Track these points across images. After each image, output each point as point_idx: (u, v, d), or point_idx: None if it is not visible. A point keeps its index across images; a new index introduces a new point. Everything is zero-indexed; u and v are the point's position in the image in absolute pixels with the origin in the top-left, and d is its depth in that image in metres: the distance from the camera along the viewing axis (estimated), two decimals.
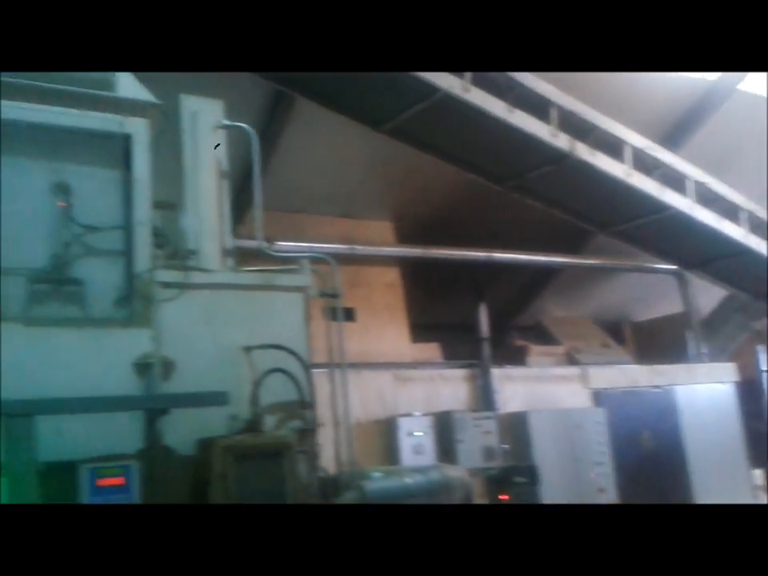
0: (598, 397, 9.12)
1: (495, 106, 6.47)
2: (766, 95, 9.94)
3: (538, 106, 6.92)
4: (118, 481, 3.15)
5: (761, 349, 10.43)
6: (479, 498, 5.85)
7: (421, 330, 9.97)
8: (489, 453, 7.76)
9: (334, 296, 4.42)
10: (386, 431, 7.64)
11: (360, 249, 9.09)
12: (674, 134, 10.22)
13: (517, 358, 9.43)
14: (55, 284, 3.65)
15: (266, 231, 4.44)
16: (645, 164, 7.57)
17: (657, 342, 11.76)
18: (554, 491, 7.42)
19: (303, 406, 3.91)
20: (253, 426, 3.67)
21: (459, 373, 8.57)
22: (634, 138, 7.49)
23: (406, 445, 7.48)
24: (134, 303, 3.73)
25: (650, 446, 9.14)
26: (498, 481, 6.68)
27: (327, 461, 4.07)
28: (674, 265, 10.06)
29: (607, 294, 12.37)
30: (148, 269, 3.77)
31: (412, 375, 8.25)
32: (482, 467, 7.32)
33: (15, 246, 3.60)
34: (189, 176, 4.26)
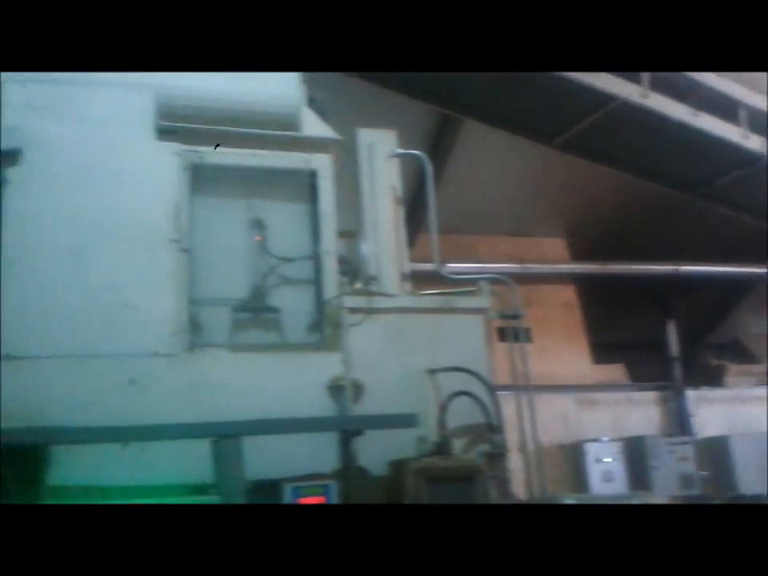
0: None
1: (677, 111, 6.11)
2: None
3: (724, 108, 6.45)
4: (318, 500, 3.27)
5: None
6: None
7: (602, 351, 9.54)
8: (686, 480, 7.22)
9: (515, 317, 4.34)
10: (572, 457, 7.36)
11: (533, 267, 8.92)
12: None
13: (713, 378, 8.72)
14: (255, 312, 3.91)
15: (440, 254, 4.53)
16: None
17: None
18: None
19: (491, 429, 3.86)
20: (442, 448, 3.68)
21: (649, 395, 8.09)
22: None
23: (594, 471, 7.15)
24: (325, 328, 3.89)
25: None
26: None
27: (517, 486, 3.97)
28: None
29: None
30: (336, 295, 3.94)
31: (596, 398, 7.90)
32: (678, 495, 6.79)
33: (219, 278, 3.92)
34: (367, 204, 4.43)
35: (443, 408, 3.78)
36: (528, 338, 4.30)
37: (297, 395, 3.69)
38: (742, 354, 9.66)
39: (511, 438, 4.03)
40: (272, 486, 3.28)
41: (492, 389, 3.92)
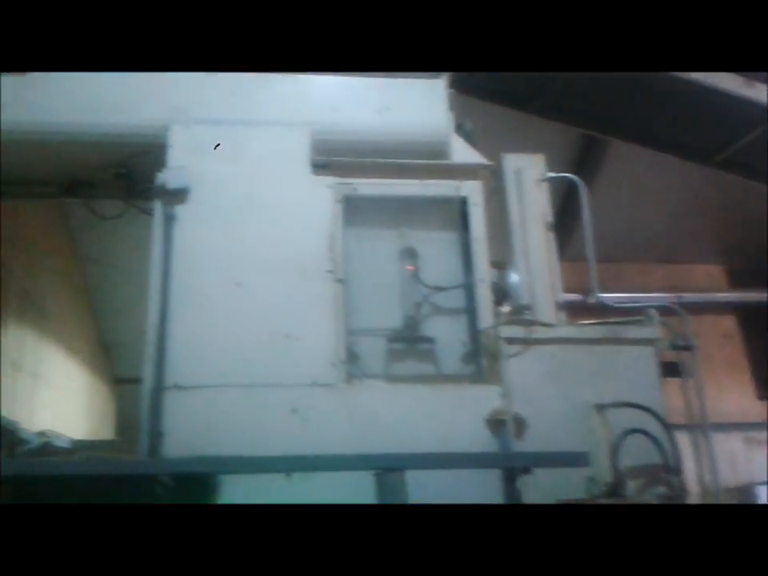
0: None
1: None
2: None
3: None
4: None
5: None
6: None
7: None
8: None
9: (687, 348, 4.00)
10: (741, 501, 6.69)
11: (688, 297, 8.33)
12: None
13: None
14: (409, 342, 3.85)
15: (585, 283, 4.28)
16: None
17: None
18: None
19: (668, 470, 3.53)
20: (614, 490, 3.41)
21: None
22: None
23: None
24: (481, 359, 3.76)
25: None
26: None
27: None
28: None
29: None
30: (492, 325, 3.80)
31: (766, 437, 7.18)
32: None
33: (373, 308, 3.90)
34: (517, 232, 4.27)
35: (615, 446, 3.50)
36: (678, 373, 3.92)
37: (455, 428, 3.56)
38: None
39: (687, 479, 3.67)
40: None
41: (668, 426, 3.60)
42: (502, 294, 4.11)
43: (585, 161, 7.76)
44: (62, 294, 7.27)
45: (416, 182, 4.09)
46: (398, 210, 4.11)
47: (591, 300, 4.31)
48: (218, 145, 3.94)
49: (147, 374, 3.49)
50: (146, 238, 3.83)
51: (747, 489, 6.66)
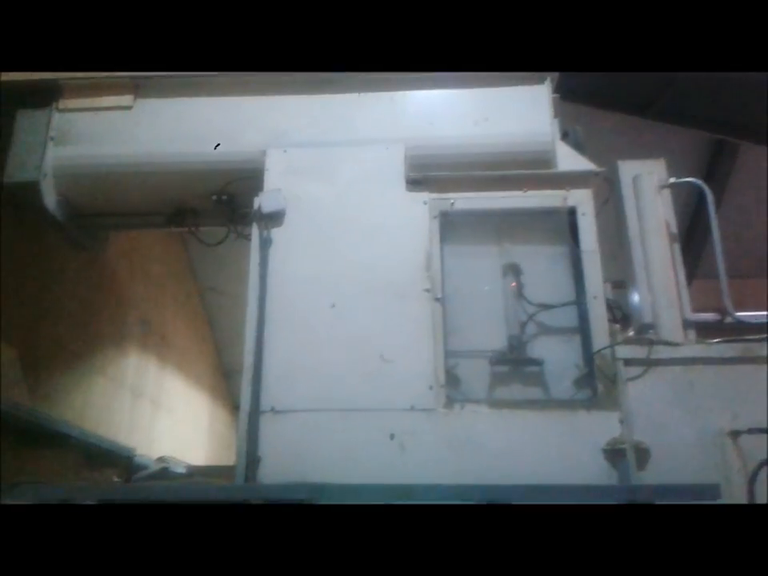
0: None
1: None
2: None
3: None
4: None
5: None
6: None
7: None
8: None
9: None
10: None
11: None
12: None
13: None
14: (514, 365, 3.60)
15: (716, 302, 3.86)
16: None
17: None
18: None
19: None
20: None
21: None
22: None
23: None
24: (597, 383, 3.43)
25: None
26: None
27: None
28: None
29: None
30: (608, 345, 3.47)
31: None
32: None
33: (474, 328, 3.68)
34: (636, 244, 3.91)
35: (752, 478, 3.07)
36: None
37: (567, 458, 3.26)
38: None
39: None
40: None
41: None
42: (621, 314, 3.77)
43: (711, 170, 7.17)
44: (183, 322, 7.56)
45: (518, 193, 3.86)
46: (499, 224, 3.89)
47: (725, 318, 3.88)
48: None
49: (244, 397, 3.46)
50: None
51: None
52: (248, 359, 3.54)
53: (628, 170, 4.09)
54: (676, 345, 3.47)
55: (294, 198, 3.86)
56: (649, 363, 3.40)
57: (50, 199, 4.14)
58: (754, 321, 3.72)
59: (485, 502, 2.77)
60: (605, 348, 3.46)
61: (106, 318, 5.63)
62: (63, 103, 4.21)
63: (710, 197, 4.02)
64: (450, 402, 3.44)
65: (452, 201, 3.83)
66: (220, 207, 4.18)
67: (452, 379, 3.54)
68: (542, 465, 3.23)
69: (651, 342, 3.44)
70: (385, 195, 3.86)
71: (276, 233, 3.81)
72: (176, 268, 7.40)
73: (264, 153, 3.99)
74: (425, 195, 3.83)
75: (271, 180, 3.92)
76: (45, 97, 4.20)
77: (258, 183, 3.94)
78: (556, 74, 4.09)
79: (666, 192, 4.03)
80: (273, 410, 3.43)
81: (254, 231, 3.83)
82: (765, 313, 6.81)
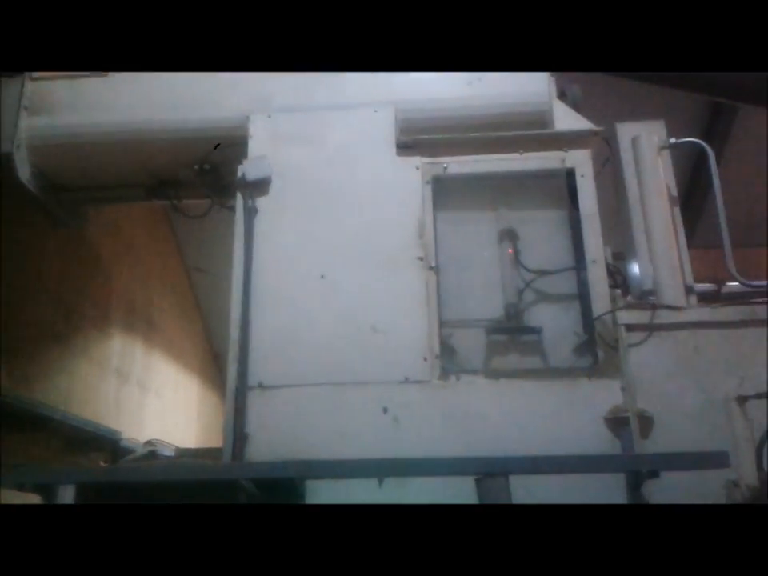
0: None
1: None
2: None
3: None
4: None
5: None
6: None
7: None
8: None
9: None
10: None
11: None
12: None
13: None
14: (512, 334, 3.46)
15: (716, 272, 3.74)
16: None
17: None
18: None
19: None
20: (761, 494, 2.86)
21: None
22: None
23: None
24: (597, 350, 3.30)
25: None
26: None
27: None
28: None
29: None
30: (608, 311, 3.33)
31: None
32: None
33: (470, 297, 3.54)
34: (635, 207, 3.76)
35: (761, 444, 2.95)
36: None
37: (568, 428, 3.13)
38: None
39: None
40: None
41: None
42: (622, 279, 3.62)
43: (710, 133, 6.99)
44: (170, 303, 7.39)
45: (514, 155, 3.69)
46: (495, 188, 3.73)
47: (726, 286, 3.75)
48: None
49: (231, 373, 3.31)
50: None
51: None
52: (234, 333, 3.38)
53: (627, 131, 3.93)
54: (679, 309, 3.33)
55: (280, 165, 3.69)
56: (651, 328, 3.27)
57: (23, 171, 3.95)
58: (757, 285, 3.58)
59: (483, 475, 2.63)
60: (606, 313, 3.32)
61: (90, 299, 5.46)
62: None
63: (712, 157, 3.86)
64: (445, 374, 3.31)
65: (445, 165, 3.67)
66: (203, 177, 3.99)
67: (447, 350, 3.40)
68: (542, 436, 3.11)
69: (654, 307, 3.31)
70: (375, 160, 3.69)
71: (261, 202, 3.64)
72: (162, 248, 7.21)
73: (248, 119, 3.81)
74: (417, 160, 3.67)
75: (256, 147, 3.75)
76: None
77: (242, 151, 3.75)
78: None
79: (666, 153, 3.87)
80: (260, 385, 3.28)
81: (239, 200, 3.66)
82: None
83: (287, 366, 3.31)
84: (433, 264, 3.48)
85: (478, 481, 2.62)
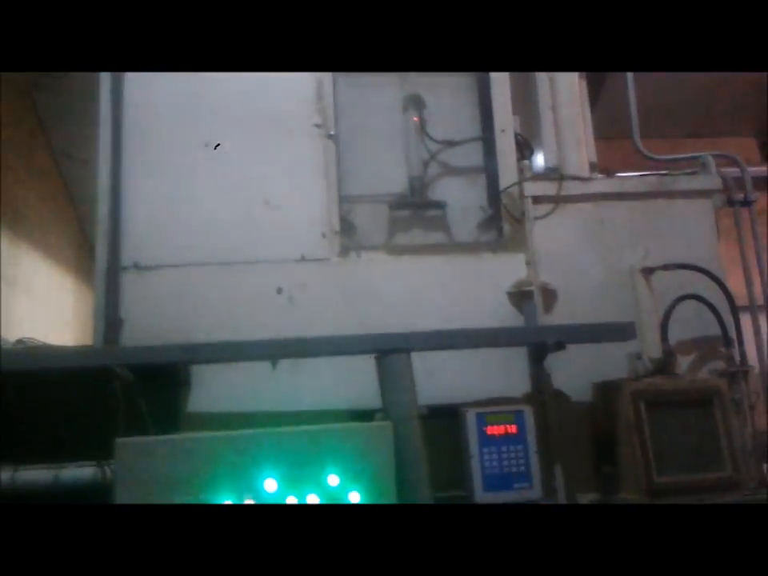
0: None
1: None
2: None
3: None
4: (509, 429, 2.60)
5: None
6: None
7: None
8: None
9: (746, 203, 3.36)
10: None
11: (723, 172, 7.56)
12: None
13: None
14: (415, 208, 3.23)
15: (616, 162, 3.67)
16: None
17: None
18: None
19: (726, 343, 2.97)
20: (664, 366, 2.87)
21: None
22: None
23: None
24: (503, 224, 3.14)
25: None
26: None
27: (760, 414, 3.07)
28: None
29: None
30: (514, 182, 3.16)
31: None
32: None
33: (372, 169, 3.26)
34: (541, 77, 3.55)
35: (666, 316, 2.93)
36: (757, 233, 3.30)
37: (472, 304, 3.00)
38: None
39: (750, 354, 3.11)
40: (451, 412, 2.64)
41: (728, 292, 3.01)
42: (530, 151, 3.43)
43: None
44: (38, 193, 6.65)
45: None
46: None
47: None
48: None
49: (100, 252, 2.92)
50: None
51: None
52: (103, 207, 2.97)
53: None
54: (588, 179, 3.20)
55: None
56: (558, 200, 3.13)
57: None
58: (663, 158, 3.50)
59: (383, 352, 2.45)
60: (512, 185, 3.15)
61: None
62: None
63: None
64: (344, 251, 3.08)
65: None
66: None
67: (347, 226, 3.16)
68: (445, 312, 2.96)
69: (562, 177, 3.16)
70: None
71: None
72: (26, 134, 6.39)
73: None
74: None
75: None
76: None
77: None
78: None
79: None
80: (136, 265, 2.92)
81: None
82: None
83: (167, 244, 2.95)
84: (332, 132, 3.17)
85: (378, 359, 2.45)
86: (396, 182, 3.25)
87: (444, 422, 2.58)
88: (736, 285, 3.20)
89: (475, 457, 2.56)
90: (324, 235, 3.04)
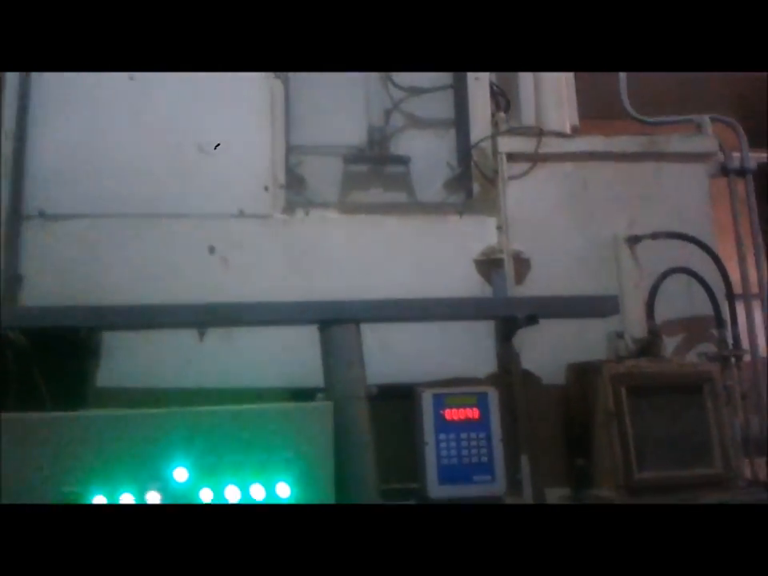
0: None
1: None
2: None
3: None
4: (470, 413, 2.27)
5: None
6: None
7: None
8: None
9: (741, 172, 3.04)
10: None
11: None
12: None
13: None
14: (375, 163, 2.86)
15: None
16: None
17: None
18: None
19: (719, 324, 2.65)
20: (649, 347, 2.54)
21: None
22: None
23: None
24: (473, 183, 2.78)
25: None
26: None
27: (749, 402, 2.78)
28: None
29: None
30: (487, 136, 2.79)
31: None
32: None
33: (326, 117, 2.88)
34: None
35: (652, 292, 2.60)
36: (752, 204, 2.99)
37: (434, 272, 2.64)
38: None
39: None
40: (405, 392, 2.31)
41: (722, 267, 2.68)
42: (506, 103, 3.06)
43: None
44: None
45: None
46: None
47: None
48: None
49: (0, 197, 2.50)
50: None
51: None
52: (6, 146, 2.54)
53: None
54: (570, 137, 2.85)
55: None
56: (536, 158, 2.77)
57: None
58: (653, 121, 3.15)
59: (328, 322, 2.08)
60: (484, 139, 2.78)
61: None
62: None
63: None
64: (290, 207, 2.70)
65: None
66: None
67: (295, 179, 2.78)
68: (405, 279, 2.60)
69: (541, 132, 2.79)
70: None
71: None
72: None
73: None
74: None
75: None
76: None
77: None
78: None
79: None
80: (41, 214, 2.50)
81: None
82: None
83: (80, 190, 2.54)
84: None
85: (321, 329, 2.08)
86: (353, 132, 2.88)
87: (396, 403, 2.26)
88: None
89: (430, 444, 2.25)
90: (267, 188, 2.66)
